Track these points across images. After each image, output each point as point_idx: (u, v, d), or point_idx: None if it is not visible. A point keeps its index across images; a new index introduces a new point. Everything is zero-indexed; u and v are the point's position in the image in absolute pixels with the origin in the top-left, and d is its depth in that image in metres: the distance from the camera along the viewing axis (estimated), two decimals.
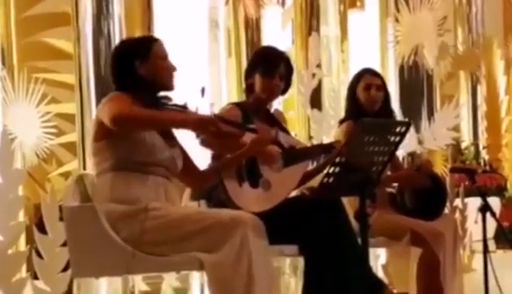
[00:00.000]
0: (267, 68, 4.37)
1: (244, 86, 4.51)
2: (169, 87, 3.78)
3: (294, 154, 4.34)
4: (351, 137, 4.08)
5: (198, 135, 4.07)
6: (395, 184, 5.11)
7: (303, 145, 4.57)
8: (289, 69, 4.45)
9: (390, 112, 5.11)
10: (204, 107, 3.72)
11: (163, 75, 3.76)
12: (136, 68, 3.73)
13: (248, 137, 3.89)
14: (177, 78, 3.82)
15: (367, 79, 5.07)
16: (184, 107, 3.71)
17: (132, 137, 3.65)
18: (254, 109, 4.37)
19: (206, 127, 3.60)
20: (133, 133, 3.66)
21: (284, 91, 4.49)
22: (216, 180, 4.04)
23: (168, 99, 3.76)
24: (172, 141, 3.80)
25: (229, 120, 3.78)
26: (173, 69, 3.79)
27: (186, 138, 3.91)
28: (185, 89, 3.83)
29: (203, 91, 3.69)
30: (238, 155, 3.97)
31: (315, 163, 4.53)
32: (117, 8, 5.54)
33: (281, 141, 4.21)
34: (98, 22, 5.45)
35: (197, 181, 3.98)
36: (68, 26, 5.39)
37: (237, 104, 4.42)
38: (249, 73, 4.44)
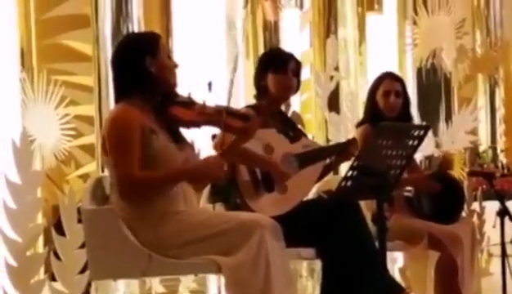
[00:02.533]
0: (279, 65, 4.40)
1: (255, 90, 4.52)
2: (173, 85, 3.74)
3: (308, 156, 4.34)
4: (369, 141, 4.08)
5: (213, 138, 4.09)
6: (411, 188, 5.10)
7: (318, 146, 4.58)
8: (299, 66, 4.49)
9: (409, 118, 5.10)
10: (211, 101, 3.70)
11: (170, 73, 3.72)
12: (147, 64, 3.67)
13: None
14: (179, 75, 3.78)
15: (387, 85, 5.06)
16: (189, 100, 3.68)
17: (146, 154, 3.61)
18: (269, 111, 4.38)
19: (208, 169, 3.60)
20: (147, 151, 3.61)
21: (296, 89, 4.52)
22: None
23: (174, 96, 3.73)
24: (182, 143, 3.77)
25: (235, 111, 3.75)
26: (176, 66, 3.77)
27: (193, 135, 3.90)
28: (202, 90, 3.80)
29: (210, 85, 3.67)
30: (232, 144, 3.83)
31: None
32: (136, 10, 5.56)
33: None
34: (117, 24, 5.46)
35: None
36: (87, 28, 5.40)
37: (252, 107, 4.43)
38: (260, 76, 4.45)
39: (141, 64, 3.67)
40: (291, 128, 4.53)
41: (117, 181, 3.58)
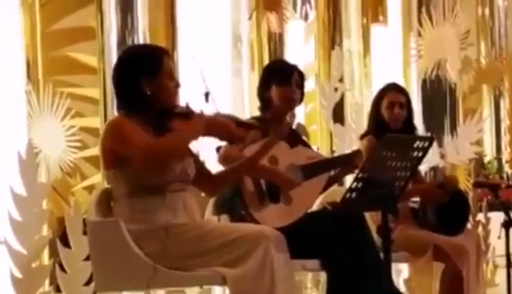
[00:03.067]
0: (283, 77, 4.41)
1: (259, 103, 4.52)
2: (172, 105, 3.68)
3: (313, 167, 4.35)
4: (373, 152, 4.09)
5: (218, 150, 4.09)
6: (417, 199, 5.10)
7: (322, 157, 4.58)
8: (302, 77, 4.50)
9: (412, 129, 5.10)
10: (208, 111, 3.69)
11: (169, 95, 3.67)
12: (143, 85, 3.62)
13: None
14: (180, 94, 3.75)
15: (391, 96, 5.06)
16: (188, 111, 3.65)
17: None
18: (274, 122, 4.39)
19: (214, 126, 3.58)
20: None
21: (300, 101, 4.53)
22: (230, 184, 4.02)
23: (172, 109, 3.69)
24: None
25: (237, 119, 3.76)
26: (178, 86, 3.72)
27: (199, 145, 3.89)
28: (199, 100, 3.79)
29: (207, 95, 3.66)
30: (253, 157, 3.88)
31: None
32: (141, 22, 5.57)
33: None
34: (123, 36, 5.48)
35: (211, 186, 3.90)
36: (93, 40, 5.42)
37: (257, 119, 4.44)
38: (264, 88, 4.46)
39: (136, 85, 3.63)
40: (296, 140, 4.54)
41: (136, 153, 3.50)
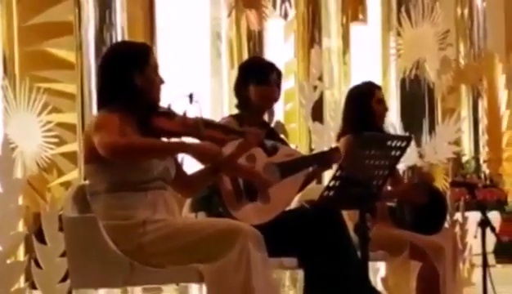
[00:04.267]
0: (262, 76, 4.40)
1: (237, 100, 4.51)
2: (156, 101, 3.72)
3: (290, 165, 4.34)
4: (351, 151, 4.09)
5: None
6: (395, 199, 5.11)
7: (300, 155, 4.58)
8: (280, 76, 4.49)
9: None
10: (192, 112, 3.69)
11: (154, 89, 3.70)
12: (134, 78, 3.66)
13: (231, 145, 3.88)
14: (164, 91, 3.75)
15: (379, 93, 5.10)
16: (169, 111, 3.67)
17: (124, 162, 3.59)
18: (251, 121, 4.38)
19: (206, 151, 3.62)
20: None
21: (278, 98, 4.53)
22: (206, 186, 4.01)
23: (155, 108, 3.71)
24: None
25: (215, 123, 3.77)
26: (162, 82, 3.74)
27: None
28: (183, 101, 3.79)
29: (191, 97, 3.65)
30: (227, 158, 3.87)
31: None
32: (120, 18, 5.54)
33: (267, 145, 4.21)
34: (101, 32, 5.45)
35: (188, 188, 3.91)
36: (70, 36, 5.39)
37: (235, 117, 4.43)
38: (242, 87, 4.44)
39: (129, 78, 3.66)
40: (273, 138, 4.53)
41: (107, 143, 3.51)
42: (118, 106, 3.65)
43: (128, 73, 3.66)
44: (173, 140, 3.72)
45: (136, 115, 3.67)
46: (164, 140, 3.69)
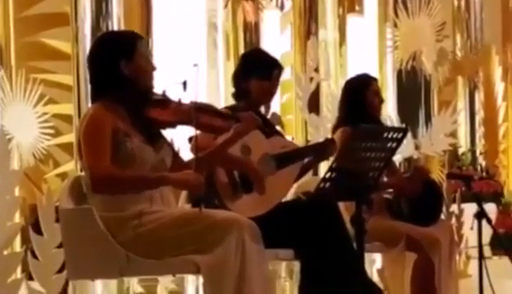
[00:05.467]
0: (266, 71, 4.39)
1: (234, 91, 4.50)
2: (149, 88, 3.69)
3: (285, 156, 4.34)
4: (347, 142, 4.09)
5: (190, 140, 4.06)
6: (391, 190, 5.11)
7: (295, 147, 4.58)
8: (281, 71, 4.50)
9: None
10: (186, 100, 3.67)
11: (145, 76, 3.68)
12: (122, 67, 3.63)
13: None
14: (157, 78, 3.73)
15: (375, 86, 5.11)
16: (164, 98, 3.64)
17: (121, 155, 3.59)
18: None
19: (188, 185, 3.61)
20: (121, 151, 3.59)
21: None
22: (201, 173, 4.00)
23: (149, 96, 3.68)
24: (159, 143, 3.74)
25: (211, 108, 3.73)
26: (154, 69, 3.72)
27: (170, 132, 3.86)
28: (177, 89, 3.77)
29: (185, 84, 3.63)
30: (222, 145, 3.86)
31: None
32: (116, 9, 5.53)
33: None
34: (97, 23, 5.43)
35: None
36: (66, 26, 5.37)
37: (230, 108, 4.42)
38: (243, 78, 4.43)
39: (115, 67, 3.63)
40: (271, 129, 4.53)
41: (89, 175, 3.56)
42: (108, 99, 3.63)
43: (115, 62, 3.63)
44: (168, 130, 3.70)
45: (128, 107, 3.65)
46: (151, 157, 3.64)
